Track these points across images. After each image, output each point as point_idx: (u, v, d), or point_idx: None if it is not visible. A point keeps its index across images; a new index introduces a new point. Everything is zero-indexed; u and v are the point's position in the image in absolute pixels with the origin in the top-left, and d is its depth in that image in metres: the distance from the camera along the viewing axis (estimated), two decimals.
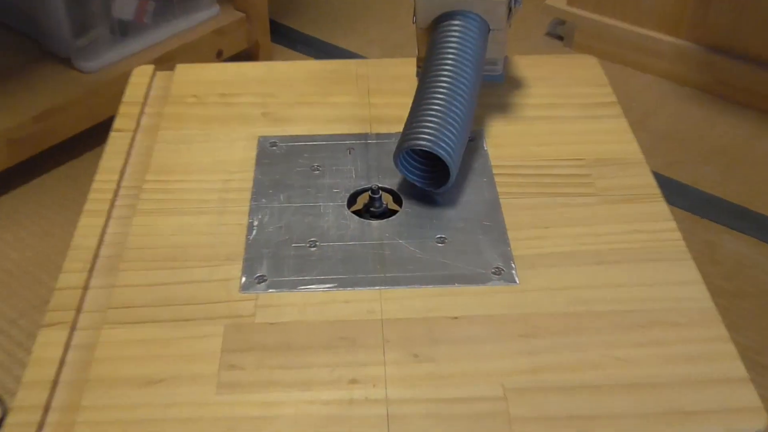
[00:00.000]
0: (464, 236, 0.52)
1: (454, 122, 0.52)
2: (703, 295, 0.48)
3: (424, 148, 0.52)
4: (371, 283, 0.49)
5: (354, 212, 0.55)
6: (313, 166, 0.58)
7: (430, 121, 0.52)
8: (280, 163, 0.59)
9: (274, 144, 0.61)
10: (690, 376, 0.44)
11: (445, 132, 0.52)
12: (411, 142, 0.52)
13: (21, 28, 1.27)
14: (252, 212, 0.54)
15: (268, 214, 0.54)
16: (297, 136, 0.61)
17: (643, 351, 0.45)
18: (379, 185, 0.56)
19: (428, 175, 0.55)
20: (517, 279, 0.49)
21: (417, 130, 0.52)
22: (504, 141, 0.61)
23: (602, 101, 0.65)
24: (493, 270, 0.50)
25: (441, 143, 0.52)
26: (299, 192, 0.56)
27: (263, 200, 0.55)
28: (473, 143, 0.60)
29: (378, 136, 0.61)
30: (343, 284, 0.49)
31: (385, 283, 0.49)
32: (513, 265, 0.50)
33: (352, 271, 0.50)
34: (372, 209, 0.55)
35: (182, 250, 0.51)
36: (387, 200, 0.56)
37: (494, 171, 0.58)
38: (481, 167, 0.58)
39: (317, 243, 0.52)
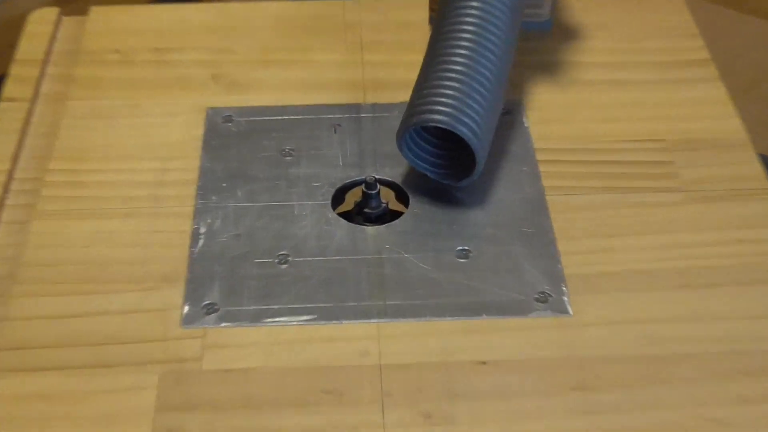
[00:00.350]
0: (496, 248, 0.53)
1: (481, 89, 0.53)
2: None
3: (439, 125, 0.52)
4: (365, 313, 0.50)
5: (341, 214, 0.55)
6: (285, 149, 0.59)
7: (449, 87, 0.52)
8: (237, 145, 0.59)
9: (229, 119, 0.61)
10: None
11: (470, 103, 0.52)
12: (422, 116, 0.53)
13: None
14: (198, 215, 0.55)
15: (221, 218, 0.55)
16: (261, 107, 0.62)
17: (748, 410, 0.45)
18: (377, 177, 0.56)
19: (445, 162, 0.56)
20: (570, 308, 0.50)
21: (430, 99, 0.53)
22: (552, 115, 0.61)
23: (691, 59, 0.66)
24: (536, 296, 0.50)
25: (463, 118, 0.52)
26: (264, 186, 0.57)
27: (213, 198, 0.56)
28: (508, 118, 0.61)
29: (375, 107, 0.62)
30: (325, 315, 0.50)
31: (384, 314, 0.50)
32: (564, 288, 0.51)
33: (338, 297, 0.50)
34: (366, 210, 0.55)
35: (100, 268, 0.52)
36: (387, 198, 0.56)
37: (538, 157, 0.58)
38: (519, 151, 0.59)
39: (290, 258, 0.52)
